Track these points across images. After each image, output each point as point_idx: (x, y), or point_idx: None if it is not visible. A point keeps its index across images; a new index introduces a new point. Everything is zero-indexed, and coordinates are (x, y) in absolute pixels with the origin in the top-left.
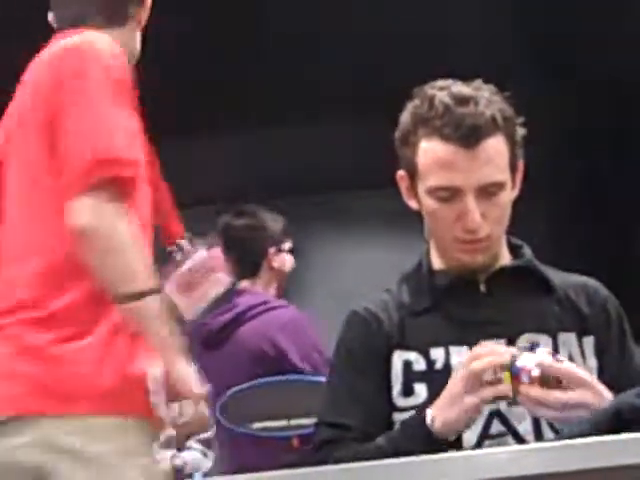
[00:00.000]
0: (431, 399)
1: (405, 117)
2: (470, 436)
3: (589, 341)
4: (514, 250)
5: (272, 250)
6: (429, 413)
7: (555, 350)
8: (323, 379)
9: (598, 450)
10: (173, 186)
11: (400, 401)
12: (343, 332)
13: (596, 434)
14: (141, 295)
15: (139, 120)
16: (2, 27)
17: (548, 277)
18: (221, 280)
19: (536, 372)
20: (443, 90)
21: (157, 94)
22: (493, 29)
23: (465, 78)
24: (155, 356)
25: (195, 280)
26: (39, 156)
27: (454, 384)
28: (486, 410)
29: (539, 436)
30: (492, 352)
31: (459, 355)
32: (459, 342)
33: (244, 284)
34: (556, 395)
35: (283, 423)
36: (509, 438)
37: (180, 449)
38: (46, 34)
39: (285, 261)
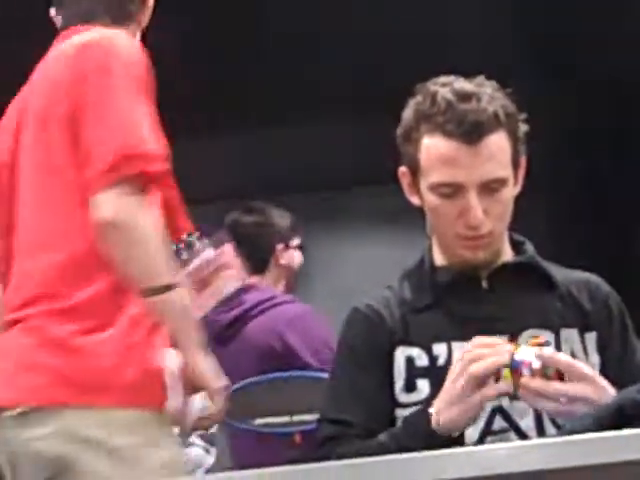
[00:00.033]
0: (433, 395)
1: (407, 113)
2: (472, 432)
3: (591, 337)
4: (516, 246)
5: (280, 246)
6: (431, 412)
7: (557, 346)
8: (325, 375)
9: (600, 446)
10: None
11: (403, 397)
12: (345, 329)
13: (598, 430)
14: (166, 289)
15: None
16: (2, 27)
17: (550, 273)
18: (232, 277)
19: (537, 364)
20: (445, 86)
21: (157, 94)
22: (493, 29)
23: (465, 78)
24: (173, 349)
25: (204, 277)
26: (61, 149)
27: (453, 386)
28: (488, 406)
29: (541, 432)
30: (490, 352)
31: (461, 351)
32: (461, 338)
33: (252, 280)
34: (557, 386)
35: (285, 419)
36: (511, 434)
37: (182, 445)
38: (46, 34)
39: (293, 257)
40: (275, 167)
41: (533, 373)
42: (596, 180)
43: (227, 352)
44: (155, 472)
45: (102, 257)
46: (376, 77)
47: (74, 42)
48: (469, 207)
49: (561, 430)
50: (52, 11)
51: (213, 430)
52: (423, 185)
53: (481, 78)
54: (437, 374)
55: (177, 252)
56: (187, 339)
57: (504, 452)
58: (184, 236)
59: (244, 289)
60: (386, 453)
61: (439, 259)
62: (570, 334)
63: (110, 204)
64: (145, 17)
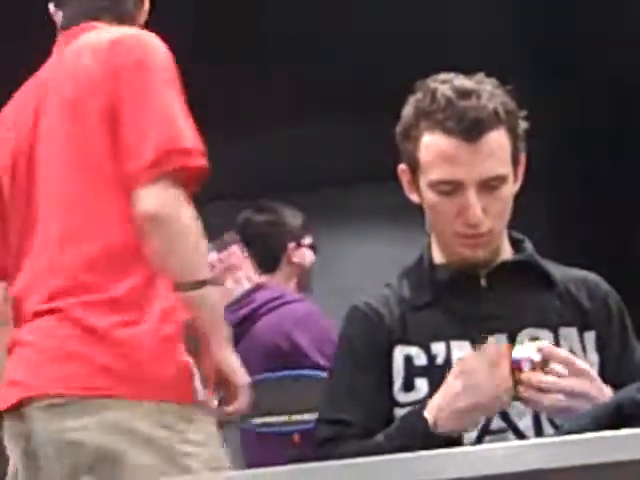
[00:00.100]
0: (432, 394)
1: (407, 111)
2: (470, 432)
3: (590, 336)
4: (515, 244)
5: (292, 245)
6: (429, 417)
7: (556, 345)
8: (324, 374)
9: (599, 446)
10: None
11: (401, 396)
12: (344, 328)
13: (597, 429)
14: (203, 283)
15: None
16: (2, 27)
17: (549, 272)
18: (241, 278)
19: (537, 357)
20: (445, 83)
21: None
22: (493, 29)
23: (466, 75)
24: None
25: None
26: (98, 143)
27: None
28: None
29: (539, 432)
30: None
31: (460, 350)
32: (460, 337)
33: (264, 279)
34: (557, 380)
35: (284, 419)
36: (510, 434)
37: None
38: (46, 34)
39: (305, 256)
40: (275, 166)
41: (534, 366)
42: (596, 180)
43: (236, 350)
44: (196, 467)
45: (137, 250)
46: (376, 77)
47: (104, 37)
48: (468, 205)
49: (559, 430)
50: (51, 7)
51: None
52: (422, 183)
53: (481, 75)
54: (435, 373)
55: None
56: (217, 334)
57: (502, 452)
58: None
59: (254, 288)
60: (383, 454)
61: (438, 257)
62: (569, 332)
63: (154, 198)
64: (142, 17)
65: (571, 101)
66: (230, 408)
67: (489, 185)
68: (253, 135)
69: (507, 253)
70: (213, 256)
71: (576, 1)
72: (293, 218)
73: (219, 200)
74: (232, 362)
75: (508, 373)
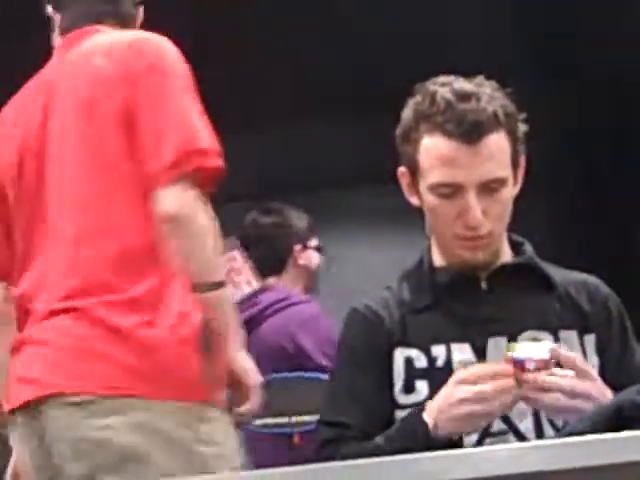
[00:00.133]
0: (432, 396)
1: (407, 113)
2: (471, 435)
3: (590, 339)
4: (515, 247)
5: (298, 247)
6: (429, 419)
7: None
8: (325, 377)
9: (599, 448)
10: None
11: (402, 398)
12: (344, 330)
13: (597, 431)
14: (220, 285)
15: None
16: (2, 27)
17: (549, 274)
18: (242, 283)
19: (539, 357)
20: (445, 86)
21: None
22: (493, 29)
23: (465, 77)
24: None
25: None
26: (114, 144)
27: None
28: None
29: (540, 434)
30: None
31: (460, 352)
32: (460, 339)
33: (270, 281)
34: (558, 380)
35: (284, 420)
36: (510, 436)
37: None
38: (46, 34)
39: (311, 258)
40: (275, 167)
41: (537, 365)
42: (596, 180)
43: None
44: (212, 466)
45: (153, 251)
46: (376, 77)
47: (118, 40)
48: (468, 207)
49: (560, 432)
50: (48, 9)
51: None
52: (422, 185)
53: (480, 78)
54: (436, 375)
55: None
56: (231, 335)
57: (503, 454)
58: None
59: (260, 289)
60: (383, 456)
61: (438, 260)
62: (569, 335)
63: (174, 198)
64: (138, 21)
65: (571, 101)
66: (242, 409)
67: (489, 188)
68: (253, 135)
69: (507, 256)
70: None
71: (576, 1)
72: (299, 220)
73: (219, 199)
74: (245, 363)
75: (511, 379)
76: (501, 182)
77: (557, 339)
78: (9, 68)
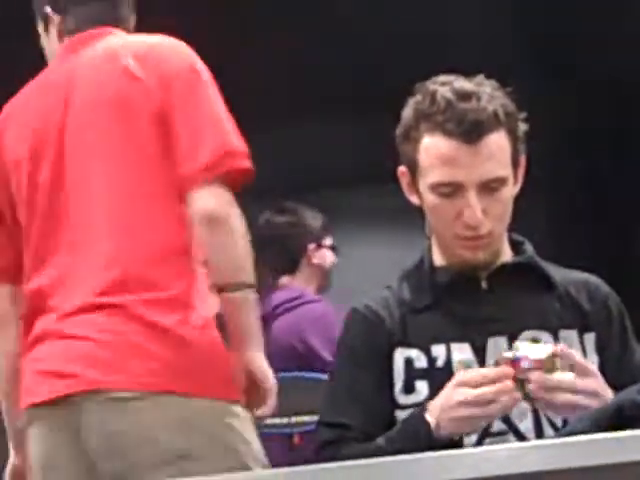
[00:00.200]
0: (432, 397)
1: (407, 113)
2: (471, 435)
3: (590, 338)
4: (515, 246)
5: (312, 246)
6: (431, 420)
7: None
8: (325, 377)
9: (599, 447)
10: None
11: (402, 398)
12: (344, 330)
13: (597, 431)
14: (246, 286)
15: None
16: (2, 27)
17: (549, 274)
18: None
19: (537, 356)
20: (445, 85)
21: None
22: (493, 29)
23: (465, 77)
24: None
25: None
26: (148, 144)
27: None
28: None
29: (540, 434)
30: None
31: (460, 352)
32: (460, 339)
33: (284, 280)
34: (559, 379)
35: (284, 420)
36: (510, 436)
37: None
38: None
39: (325, 257)
40: (275, 167)
41: (535, 365)
42: (596, 180)
43: None
44: (247, 464)
45: (187, 252)
46: (376, 77)
47: (144, 42)
48: (468, 207)
49: (560, 432)
50: (47, 9)
51: None
52: (422, 185)
53: (481, 77)
54: (436, 375)
55: None
56: (253, 337)
57: (503, 453)
58: None
59: (274, 288)
60: (385, 456)
61: (438, 259)
62: (569, 335)
63: (211, 198)
64: (132, 24)
65: (571, 101)
66: (259, 410)
67: (489, 187)
68: (253, 135)
69: (507, 255)
70: None
71: (576, 1)
72: (313, 219)
73: None
74: (263, 364)
75: (511, 381)
76: (501, 181)
77: (557, 339)
78: (9, 68)
